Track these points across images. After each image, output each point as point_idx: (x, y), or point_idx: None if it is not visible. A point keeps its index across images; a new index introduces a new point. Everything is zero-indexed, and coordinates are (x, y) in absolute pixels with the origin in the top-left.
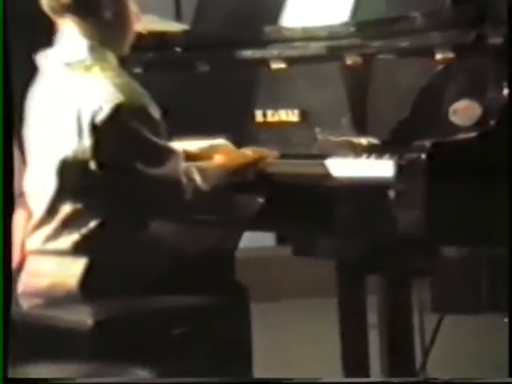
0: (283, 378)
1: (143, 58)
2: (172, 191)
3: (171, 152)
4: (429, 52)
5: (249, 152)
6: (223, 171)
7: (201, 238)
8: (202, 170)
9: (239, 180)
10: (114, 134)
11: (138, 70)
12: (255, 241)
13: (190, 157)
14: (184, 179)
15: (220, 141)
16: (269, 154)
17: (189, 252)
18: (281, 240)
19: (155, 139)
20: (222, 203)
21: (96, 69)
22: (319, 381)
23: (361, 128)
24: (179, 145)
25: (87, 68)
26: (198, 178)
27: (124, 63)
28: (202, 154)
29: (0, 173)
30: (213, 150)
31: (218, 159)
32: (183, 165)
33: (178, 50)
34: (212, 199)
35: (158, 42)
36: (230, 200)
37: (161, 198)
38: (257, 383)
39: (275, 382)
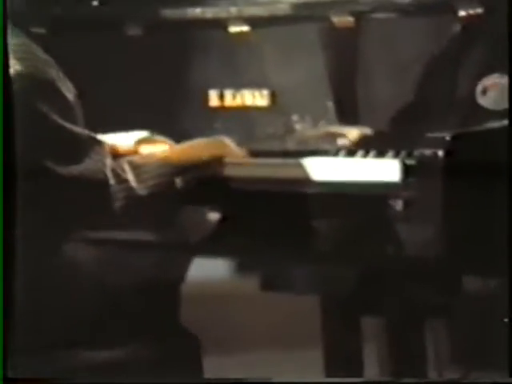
0: None
1: (46, 14)
2: (95, 197)
3: (93, 143)
4: (446, 8)
5: (202, 143)
6: (166, 167)
7: (134, 265)
8: (137, 167)
9: (187, 185)
10: (12, 119)
11: (38, 31)
12: (208, 270)
13: (116, 155)
14: (112, 180)
15: (156, 137)
16: (234, 151)
17: (116, 285)
18: (243, 269)
19: (69, 126)
20: (164, 215)
21: None
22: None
23: (352, 114)
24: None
25: None
26: (131, 178)
27: (18, 21)
28: (131, 150)
29: (0, 174)
30: (148, 144)
31: (160, 152)
32: (110, 161)
33: (96, 3)
34: (151, 208)
35: None
36: (175, 212)
37: (80, 208)
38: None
39: None
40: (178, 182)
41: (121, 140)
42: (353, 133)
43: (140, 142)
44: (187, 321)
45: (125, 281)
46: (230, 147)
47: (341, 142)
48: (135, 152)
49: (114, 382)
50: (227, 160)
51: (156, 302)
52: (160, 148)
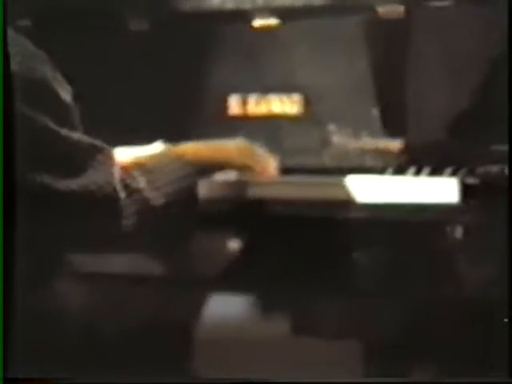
0: None
1: (33, 4)
2: (104, 214)
3: (95, 151)
4: None
5: (225, 145)
6: (185, 168)
7: (140, 301)
8: (149, 171)
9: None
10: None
11: (24, 23)
12: (227, 309)
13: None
14: (123, 193)
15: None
16: (269, 163)
17: (116, 325)
18: (270, 308)
19: (66, 132)
20: (182, 232)
21: None
22: None
23: (401, 124)
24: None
25: None
26: (144, 186)
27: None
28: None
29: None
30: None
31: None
32: (118, 172)
33: None
34: (167, 222)
35: None
36: (194, 231)
37: (82, 229)
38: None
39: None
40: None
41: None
42: (402, 146)
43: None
44: (201, 369)
45: (126, 321)
46: (258, 155)
47: (388, 156)
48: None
49: (114, 382)
50: (252, 177)
51: (164, 344)
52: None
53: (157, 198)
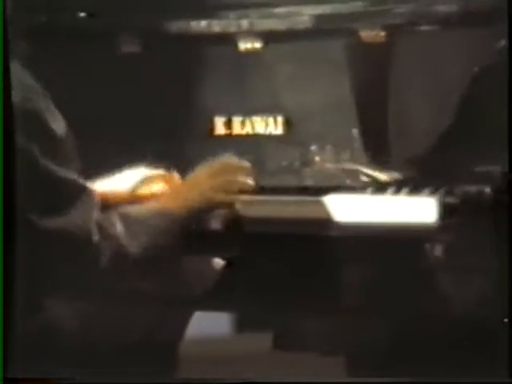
0: None
1: (23, 27)
2: (78, 255)
3: (79, 190)
4: (498, 17)
5: (204, 175)
6: (163, 218)
7: (125, 321)
8: (127, 219)
9: (188, 235)
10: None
11: (17, 47)
12: (212, 327)
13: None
14: (97, 236)
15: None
16: (243, 181)
17: (104, 344)
18: (252, 325)
19: (54, 168)
20: (159, 272)
21: None
22: None
23: (381, 145)
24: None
25: None
26: (121, 233)
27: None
28: (130, 196)
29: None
30: (148, 182)
31: (158, 198)
32: (97, 212)
33: (83, 15)
34: (143, 266)
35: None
36: (173, 267)
37: (61, 267)
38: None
39: None
40: (178, 233)
41: (116, 184)
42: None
43: (138, 184)
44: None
45: (113, 340)
46: (234, 170)
47: (367, 177)
48: (132, 197)
49: (114, 382)
50: (233, 198)
51: (150, 361)
52: (159, 186)
53: (133, 247)
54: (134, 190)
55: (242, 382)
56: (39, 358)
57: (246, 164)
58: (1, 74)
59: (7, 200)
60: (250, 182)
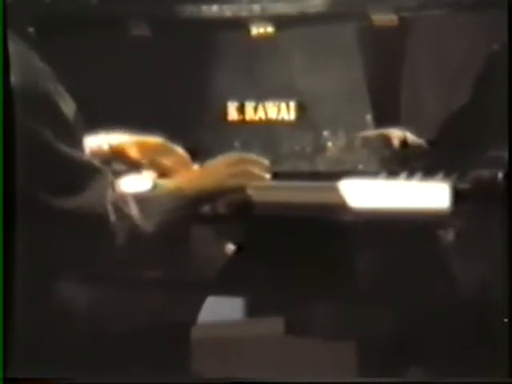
0: None
1: (34, 10)
2: (94, 234)
3: (93, 170)
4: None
5: (219, 165)
6: (177, 200)
7: (137, 305)
8: (142, 200)
9: (201, 218)
10: (13, 140)
11: (26, 31)
12: (224, 311)
13: (119, 155)
14: (113, 215)
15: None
16: (259, 173)
17: (115, 329)
18: (263, 310)
19: (67, 149)
20: (172, 253)
21: None
22: None
23: (395, 129)
24: (101, 139)
25: None
26: (136, 213)
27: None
28: (141, 155)
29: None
30: (162, 153)
31: (172, 179)
32: (112, 192)
33: (95, 0)
34: (157, 247)
35: None
36: (186, 249)
37: (76, 246)
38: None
39: None
40: (191, 215)
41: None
42: (395, 135)
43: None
44: (198, 368)
45: (125, 324)
46: (251, 164)
47: (380, 155)
48: (141, 161)
49: (114, 382)
50: (248, 183)
51: (163, 347)
52: (178, 165)
53: (147, 225)
54: (143, 149)
55: (246, 381)
56: (39, 358)
57: (265, 161)
58: (0, 73)
59: (19, 183)
60: (267, 176)
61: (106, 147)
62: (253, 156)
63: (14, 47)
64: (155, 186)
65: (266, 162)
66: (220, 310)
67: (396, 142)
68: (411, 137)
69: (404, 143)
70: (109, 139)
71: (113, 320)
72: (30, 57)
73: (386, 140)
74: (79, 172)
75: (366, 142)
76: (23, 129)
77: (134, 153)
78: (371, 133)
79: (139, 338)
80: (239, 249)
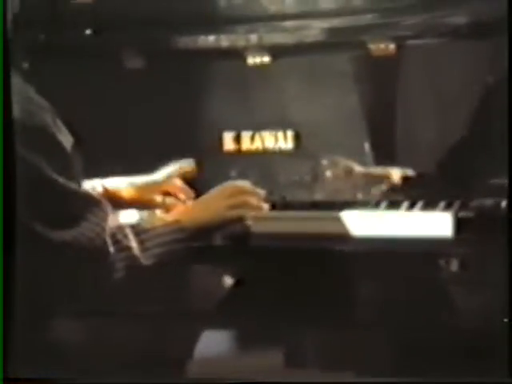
0: None
1: (29, 43)
2: (92, 267)
3: (91, 202)
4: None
5: (216, 196)
6: (176, 233)
7: (132, 338)
8: (141, 232)
9: (200, 250)
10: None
11: (22, 65)
12: (221, 345)
13: (119, 201)
14: (112, 248)
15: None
16: (257, 204)
17: (112, 361)
18: (264, 342)
19: (64, 181)
20: (170, 286)
21: None
22: None
23: (392, 158)
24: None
25: None
26: (134, 245)
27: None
28: (143, 194)
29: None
30: (163, 184)
31: (171, 213)
32: (111, 224)
33: (89, 32)
34: (155, 279)
35: (50, 17)
36: (184, 281)
37: (73, 279)
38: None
39: None
40: (189, 248)
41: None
42: (396, 174)
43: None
44: None
45: (121, 357)
46: (248, 194)
47: (380, 188)
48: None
49: (114, 382)
50: (246, 214)
51: (161, 380)
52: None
53: (146, 258)
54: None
55: (242, 382)
56: (39, 358)
57: (261, 191)
58: (0, 73)
59: (18, 215)
60: (264, 207)
61: (100, 190)
62: (248, 186)
63: (14, 83)
64: (153, 218)
65: (262, 192)
66: (217, 343)
67: (396, 178)
68: (411, 173)
69: (405, 179)
70: (103, 182)
71: (106, 349)
72: (26, 90)
73: (386, 177)
74: (78, 204)
75: (366, 176)
76: (22, 161)
77: (128, 195)
78: (372, 170)
79: (136, 370)
80: (237, 282)
